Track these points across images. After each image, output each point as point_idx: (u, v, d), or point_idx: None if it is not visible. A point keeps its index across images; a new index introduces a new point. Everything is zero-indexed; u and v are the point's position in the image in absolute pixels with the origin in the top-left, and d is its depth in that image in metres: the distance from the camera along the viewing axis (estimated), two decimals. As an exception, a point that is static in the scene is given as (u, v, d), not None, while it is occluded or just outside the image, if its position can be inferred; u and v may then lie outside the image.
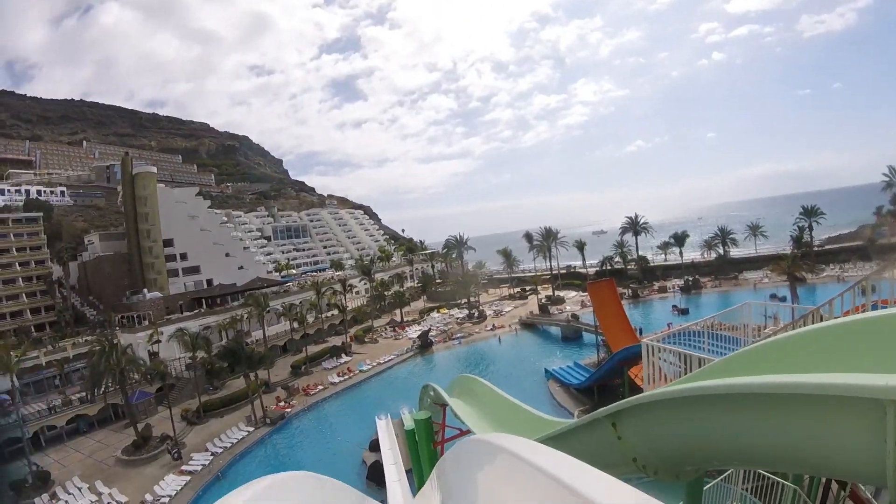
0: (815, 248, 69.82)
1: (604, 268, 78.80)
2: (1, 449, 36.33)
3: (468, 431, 18.54)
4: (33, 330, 59.32)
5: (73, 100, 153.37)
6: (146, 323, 54.92)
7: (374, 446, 32.06)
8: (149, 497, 30.82)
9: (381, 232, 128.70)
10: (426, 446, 19.33)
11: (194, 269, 69.40)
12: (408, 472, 23.51)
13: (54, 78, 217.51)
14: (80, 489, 32.50)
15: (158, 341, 48.04)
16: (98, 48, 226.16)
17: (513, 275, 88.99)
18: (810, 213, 70.90)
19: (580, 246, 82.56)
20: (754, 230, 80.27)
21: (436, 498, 6.64)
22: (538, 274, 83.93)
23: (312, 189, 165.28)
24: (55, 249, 68.94)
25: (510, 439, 3.38)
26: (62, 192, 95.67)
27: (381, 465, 26.38)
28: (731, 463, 5.25)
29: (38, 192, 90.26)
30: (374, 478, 28.14)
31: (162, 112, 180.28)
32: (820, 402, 2.70)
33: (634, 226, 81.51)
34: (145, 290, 61.96)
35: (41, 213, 69.40)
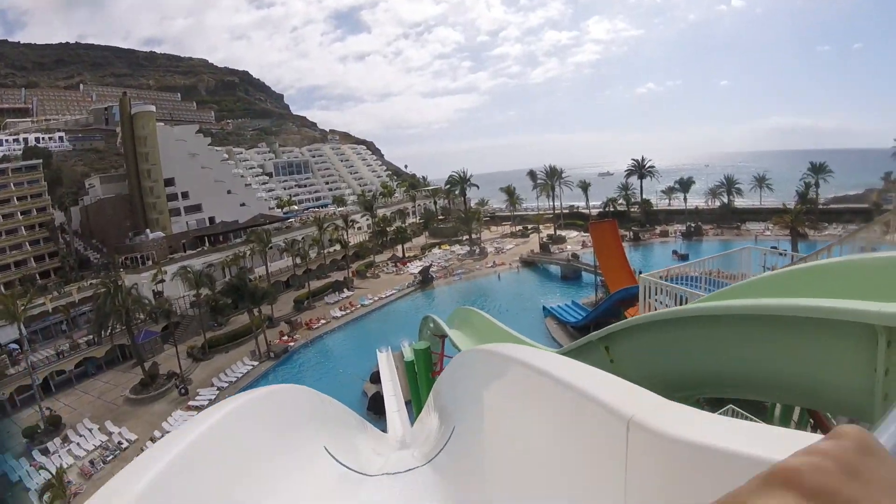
0: (820, 206, 68.70)
1: (607, 209, 78.19)
2: (12, 397, 37.19)
3: None
4: (38, 277, 59.74)
5: (68, 43, 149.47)
6: (150, 263, 55.16)
7: (375, 378, 32.92)
8: (157, 433, 31.76)
9: (384, 168, 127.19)
10: (425, 375, 19.83)
11: (196, 208, 69.22)
12: (407, 403, 24.22)
13: (48, 23, 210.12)
14: (90, 430, 33.47)
15: (162, 280, 48.41)
16: None
17: (515, 213, 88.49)
18: (818, 169, 69.24)
19: (584, 186, 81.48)
20: (760, 182, 78.81)
21: (433, 419, 6.76)
22: (541, 213, 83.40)
23: (314, 124, 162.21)
24: (56, 195, 68.39)
25: (505, 346, 3.24)
26: (61, 138, 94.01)
27: (382, 396, 27.15)
28: (722, 390, 5.18)
29: (37, 140, 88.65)
30: (375, 408, 29.03)
31: (159, 50, 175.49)
32: (813, 326, 2.54)
33: (640, 169, 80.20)
34: (148, 231, 62.00)
35: (40, 161, 68.49)
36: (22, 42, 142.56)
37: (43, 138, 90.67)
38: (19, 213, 62.61)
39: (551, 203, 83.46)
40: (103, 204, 67.78)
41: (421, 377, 20.40)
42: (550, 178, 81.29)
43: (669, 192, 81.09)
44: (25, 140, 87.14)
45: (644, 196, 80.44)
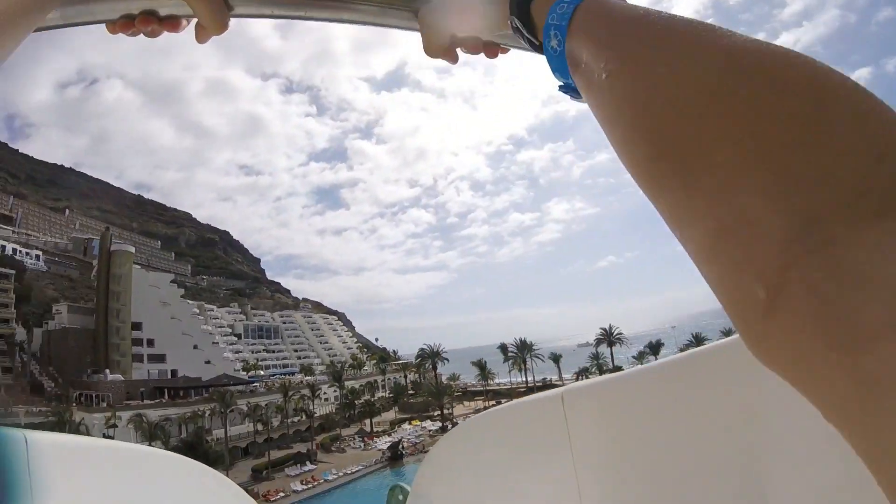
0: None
1: (580, 379, 77.51)
2: None
3: None
4: None
5: (62, 165, 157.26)
6: (104, 404, 52.31)
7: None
8: None
9: (355, 340, 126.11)
10: None
11: (160, 357, 67.02)
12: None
13: (50, 140, 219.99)
14: None
15: (115, 426, 44.78)
16: (96, 121, 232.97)
17: (488, 387, 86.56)
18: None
19: (556, 358, 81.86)
20: (727, 335, 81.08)
21: None
22: (514, 387, 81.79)
23: (288, 291, 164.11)
24: (21, 312, 66.49)
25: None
26: (37, 256, 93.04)
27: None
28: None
29: (14, 251, 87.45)
30: None
31: (147, 195, 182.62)
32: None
33: (609, 337, 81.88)
34: (108, 371, 59.74)
35: (13, 272, 67.26)
36: (20, 151, 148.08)
37: (20, 251, 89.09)
38: None
39: (524, 377, 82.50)
40: (67, 333, 66.00)
41: None
42: (521, 352, 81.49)
43: (640, 356, 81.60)
44: (3, 248, 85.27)
45: (616, 363, 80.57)
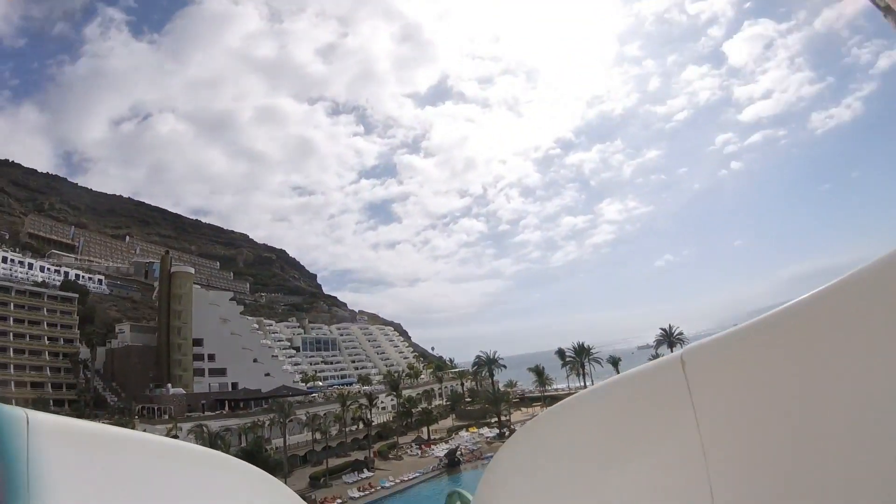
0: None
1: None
2: None
3: None
4: (52, 404, 58.44)
5: (121, 196, 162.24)
6: (166, 417, 54.22)
7: (395, 564, 28.60)
8: None
9: (411, 349, 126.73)
10: None
11: (221, 371, 69.13)
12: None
13: (108, 173, 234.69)
14: None
15: (177, 436, 46.20)
16: (151, 153, 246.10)
17: (546, 393, 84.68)
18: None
19: (614, 362, 79.05)
20: None
21: None
22: (572, 391, 79.48)
23: (344, 304, 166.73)
24: (85, 332, 70.16)
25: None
26: (100, 280, 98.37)
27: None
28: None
29: (77, 276, 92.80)
30: None
31: (205, 219, 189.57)
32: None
33: (669, 338, 78.42)
34: (169, 385, 61.87)
35: (77, 295, 71.55)
36: (80, 184, 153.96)
37: (83, 276, 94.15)
38: (46, 338, 63.72)
39: (582, 382, 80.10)
40: (130, 350, 68.74)
41: None
42: (579, 356, 79.20)
43: None
44: (66, 273, 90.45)
45: (677, 368, 76.89)
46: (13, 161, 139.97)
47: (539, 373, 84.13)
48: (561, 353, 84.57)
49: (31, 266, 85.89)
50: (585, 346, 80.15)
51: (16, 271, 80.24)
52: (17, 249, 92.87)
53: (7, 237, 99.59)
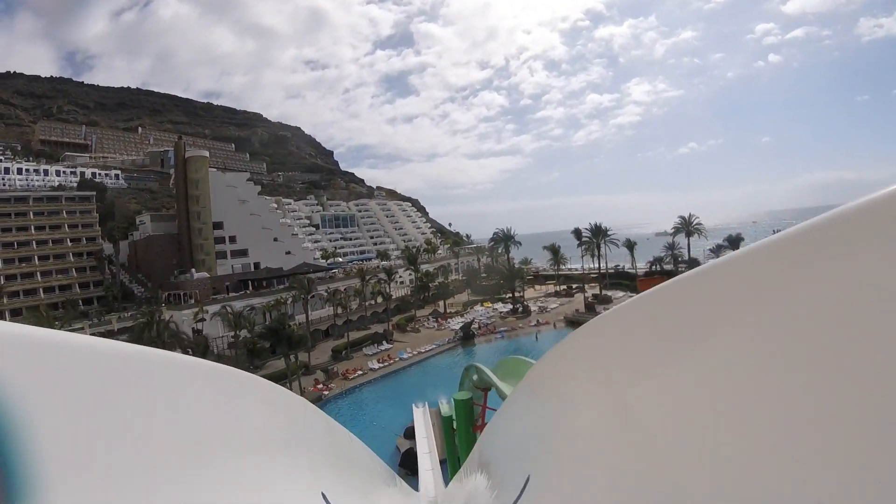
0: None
1: (653, 269, 75.43)
2: None
3: None
4: (81, 303, 61.05)
5: (129, 88, 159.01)
6: (192, 301, 55.87)
7: (409, 434, 31.09)
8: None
9: (428, 225, 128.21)
10: (465, 429, 18.04)
11: (242, 252, 70.42)
12: (442, 462, 22.36)
13: (113, 68, 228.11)
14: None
15: (203, 319, 48.67)
16: (156, 41, 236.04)
17: (559, 272, 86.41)
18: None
19: (630, 246, 79.01)
20: None
21: (479, 477, 5.40)
22: (585, 272, 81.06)
23: (362, 181, 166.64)
24: (107, 228, 71.47)
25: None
26: (116, 175, 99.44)
27: (415, 453, 25.33)
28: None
29: (93, 175, 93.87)
30: (407, 465, 27.12)
31: (217, 102, 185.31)
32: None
33: (687, 227, 77.49)
34: (193, 270, 63.10)
35: (94, 192, 72.16)
36: (86, 83, 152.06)
37: (99, 174, 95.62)
38: (69, 240, 65.27)
39: (596, 263, 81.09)
40: (152, 241, 69.78)
41: (460, 431, 18.54)
42: (596, 237, 79.29)
43: (718, 250, 77.25)
44: (82, 174, 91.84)
45: (692, 255, 77.06)
46: (15, 72, 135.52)
47: (554, 251, 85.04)
48: (577, 232, 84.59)
49: (46, 173, 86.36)
50: (602, 227, 79.74)
51: (32, 180, 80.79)
52: (31, 158, 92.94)
53: (19, 148, 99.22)
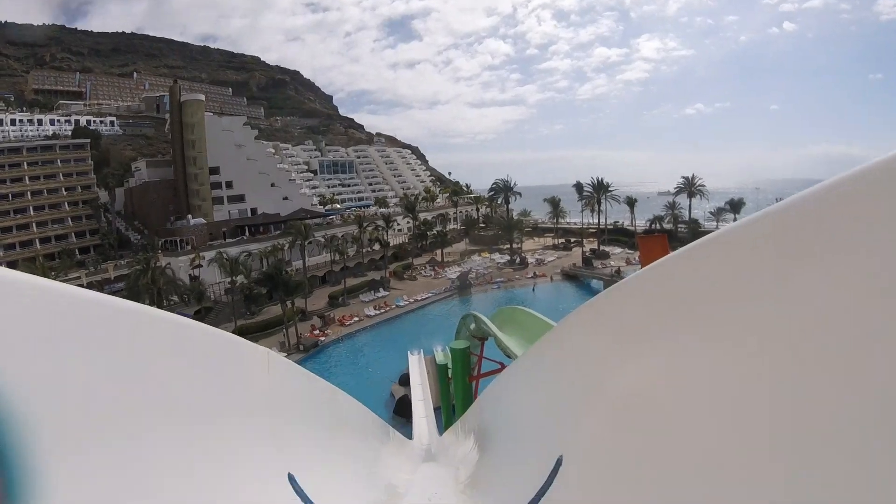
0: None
1: (653, 227, 75.09)
2: None
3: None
4: (78, 253, 61.04)
5: (124, 33, 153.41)
6: (189, 248, 55.67)
7: (404, 381, 31.57)
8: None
9: (428, 173, 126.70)
10: (461, 378, 17.95)
11: (239, 198, 69.49)
12: (436, 409, 22.61)
13: (108, 13, 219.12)
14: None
15: (200, 265, 48.57)
16: None
17: (558, 225, 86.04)
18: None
19: (631, 202, 78.41)
20: None
21: (475, 439, 5.17)
22: (585, 227, 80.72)
23: (361, 126, 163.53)
24: (102, 175, 70.74)
25: None
26: (112, 122, 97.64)
27: (410, 400, 25.67)
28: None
29: (88, 122, 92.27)
30: (401, 412, 27.66)
31: (214, 46, 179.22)
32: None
33: (690, 187, 76.73)
34: (189, 216, 62.48)
35: (88, 140, 71.18)
36: (79, 28, 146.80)
37: (94, 121, 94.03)
38: (64, 189, 64.63)
39: (596, 218, 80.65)
40: (148, 187, 68.72)
41: (456, 381, 18.51)
42: (597, 192, 78.52)
43: (719, 213, 76.93)
44: (77, 122, 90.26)
45: (692, 216, 76.66)
46: (7, 21, 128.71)
47: (554, 204, 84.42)
48: (579, 186, 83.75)
49: (40, 122, 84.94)
50: (604, 182, 78.81)
51: (26, 130, 79.37)
52: (25, 108, 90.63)
53: (13, 99, 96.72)
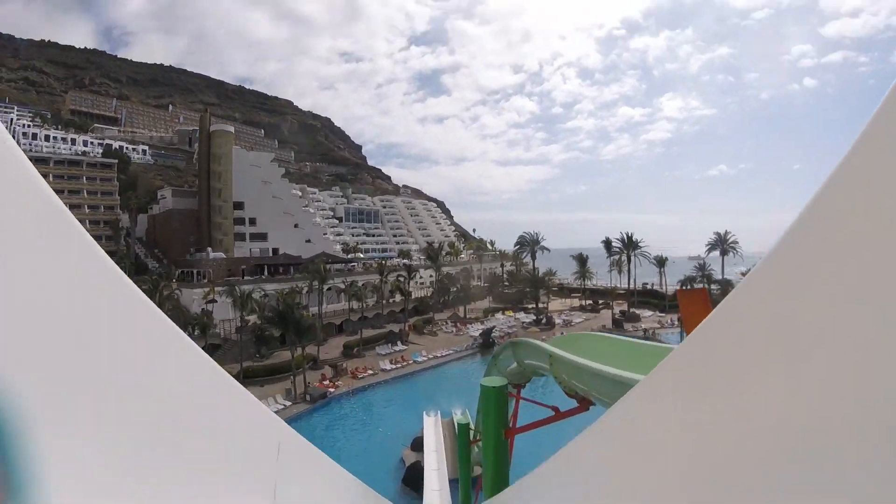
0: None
1: (684, 288, 71.26)
2: None
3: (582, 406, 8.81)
4: None
5: (162, 65, 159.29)
6: (205, 281, 54.08)
7: (417, 445, 28.16)
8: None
9: (453, 228, 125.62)
10: (493, 431, 9.92)
11: (261, 236, 68.57)
12: (451, 482, 19.37)
13: (149, 45, 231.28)
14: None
15: (214, 301, 46.55)
16: (193, 21, 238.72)
17: (585, 286, 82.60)
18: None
19: (661, 261, 75.04)
20: None
21: None
22: (613, 288, 77.20)
23: (389, 178, 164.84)
24: (126, 198, 70.70)
25: None
26: (144, 151, 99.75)
27: (422, 468, 22.38)
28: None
29: (120, 147, 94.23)
30: (411, 482, 24.31)
31: (249, 87, 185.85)
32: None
33: (723, 244, 73.41)
34: (209, 249, 61.46)
35: (116, 161, 71.96)
36: (120, 56, 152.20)
37: (126, 147, 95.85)
38: (86, 207, 64.98)
39: (623, 280, 77.17)
40: (171, 215, 68.43)
41: (487, 436, 10.59)
42: (627, 248, 75.44)
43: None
44: (109, 145, 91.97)
45: (724, 275, 72.68)
46: (49, 41, 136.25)
47: (582, 261, 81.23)
48: (607, 243, 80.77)
49: (73, 142, 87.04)
50: (633, 238, 75.89)
51: (59, 147, 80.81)
52: (60, 127, 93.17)
53: (49, 116, 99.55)
